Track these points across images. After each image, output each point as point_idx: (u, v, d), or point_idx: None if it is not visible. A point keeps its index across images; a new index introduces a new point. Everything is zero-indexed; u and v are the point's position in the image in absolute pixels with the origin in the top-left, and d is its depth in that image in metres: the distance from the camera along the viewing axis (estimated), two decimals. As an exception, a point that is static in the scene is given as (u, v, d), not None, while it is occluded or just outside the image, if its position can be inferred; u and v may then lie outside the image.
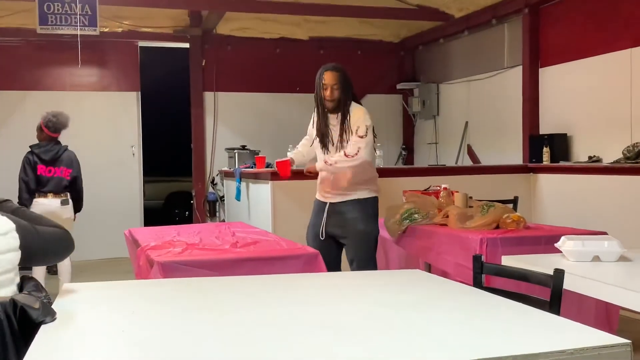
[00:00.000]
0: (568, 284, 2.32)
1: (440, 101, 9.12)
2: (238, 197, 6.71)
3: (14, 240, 1.80)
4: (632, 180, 5.60)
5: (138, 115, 8.80)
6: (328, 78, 4.08)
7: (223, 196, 8.28)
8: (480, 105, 8.27)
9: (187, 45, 8.92)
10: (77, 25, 7.31)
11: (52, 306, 1.79)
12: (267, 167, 6.38)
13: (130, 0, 7.77)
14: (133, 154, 8.76)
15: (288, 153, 4.54)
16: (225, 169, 7.79)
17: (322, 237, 4.21)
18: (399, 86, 9.59)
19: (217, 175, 8.82)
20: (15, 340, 1.65)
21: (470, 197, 4.49)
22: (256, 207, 6.33)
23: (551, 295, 2.20)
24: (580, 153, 6.56)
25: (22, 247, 1.82)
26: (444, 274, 3.69)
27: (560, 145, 6.65)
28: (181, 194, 10.86)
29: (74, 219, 5.79)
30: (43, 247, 1.94)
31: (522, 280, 2.44)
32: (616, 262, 2.82)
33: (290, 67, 9.04)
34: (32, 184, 5.53)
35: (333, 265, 4.15)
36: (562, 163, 6.52)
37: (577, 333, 1.62)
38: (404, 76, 9.66)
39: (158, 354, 1.52)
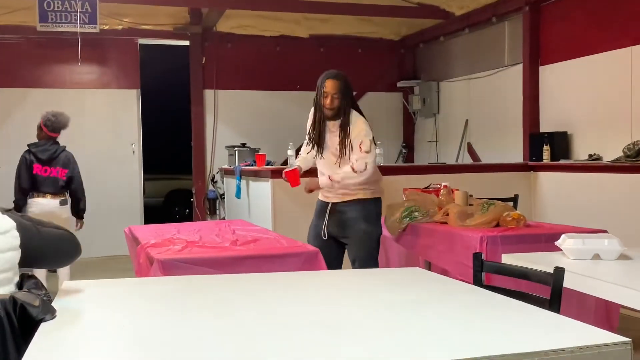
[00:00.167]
0: (568, 282, 2.32)
1: (441, 99, 9.12)
2: (238, 195, 6.71)
3: (14, 239, 1.79)
4: (633, 178, 5.60)
5: (138, 112, 8.80)
6: (329, 86, 4.06)
7: (223, 194, 8.28)
8: (481, 103, 8.26)
9: (187, 42, 8.91)
10: (77, 23, 7.31)
11: (52, 304, 1.79)
12: (268, 164, 6.39)
13: (130, -2, 7.77)
14: (133, 152, 8.76)
15: (294, 161, 4.51)
16: (226, 166, 7.79)
17: (325, 237, 4.19)
18: (399, 84, 9.58)
19: (217, 173, 8.82)
20: (15, 338, 1.65)
21: (471, 195, 4.49)
22: (256, 204, 6.33)
23: (551, 294, 2.20)
24: (580, 151, 6.56)
25: (23, 246, 1.80)
26: (444, 272, 3.69)
27: (560, 143, 6.65)
28: (181, 191, 10.86)
29: (81, 225, 5.73)
30: (45, 248, 1.92)
31: (522, 279, 2.44)
32: (616, 260, 2.82)
33: (291, 65, 9.04)
34: (25, 184, 5.49)
35: (334, 265, 4.14)
36: (562, 161, 6.52)
37: (577, 331, 1.62)
38: (404, 74, 9.65)
39: (158, 352, 1.52)
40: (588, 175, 6.12)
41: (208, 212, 8.87)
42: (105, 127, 8.65)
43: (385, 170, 4.41)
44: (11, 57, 8.24)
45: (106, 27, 8.22)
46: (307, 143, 4.34)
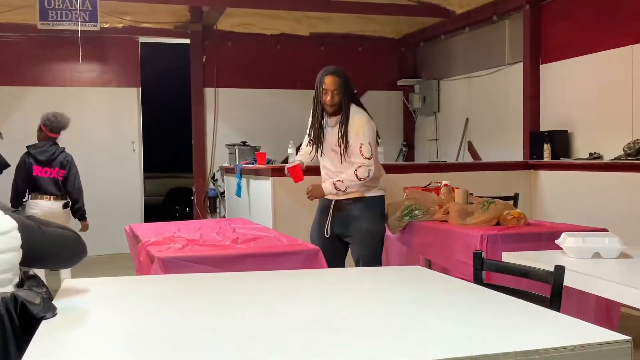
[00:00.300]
0: (568, 281, 2.32)
1: (441, 98, 9.12)
2: (238, 193, 6.71)
3: (14, 240, 1.76)
4: (633, 177, 5.60)
5: (138, 111, 8.79)
6: (328, 82, 4.04)
7: (223, 192, 8.28)
8: (481, 102, 8.26)
9: (187, 41, 8.91)
10: (77, 21, 7.31)
11: (53, 302, 1.79)
12: (268, 163, 6.39)
13: (130, -4, 7.77)
14: (133, 150, 8.76)
15: (296, 157, 4.49)
16: (226, 165, 7.79)
17: (327, 234, 4.17)
18: (399, 82, 9.58)
19: (217, 171, 8.82)
20: (16, 336, 1.65)
21: (471, 194, 4.49)
22: (257, 203, 6.33)
23: (551, 292, 2.20)
24: (581, 150, 6.56)
25: (26, 247, 1.78)
26: (444, 271, 3.69)
27: (561, 141, 6.65)
28: (181, 190, 10.86)
29: (85, 228, 5.70)
30: (49, 249, 1.90)
31: (522, 277, 2.44)
32: (617, 258, 2.83)
33: (291, 63, 9.04)
34: (21, 186, 5.51)
35: (337, 264, 4.13)
36: (562, 160, 6.51)
37: (577, 330, 1.62)
38: (404, 72, 9.65)
39: (158, 349, 1.52)
40: (588, 173, 6.11)
41: (208, 211, 8.88)
42: (106, 126, 8.65)
43: (385, 168, 4.39)
44: (11, 55, 8.23)
45: (107, 25, 8.22)
46: (308, 143, 4.32)
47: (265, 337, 1.61)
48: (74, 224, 5.59)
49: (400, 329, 1.69)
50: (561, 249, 2.93)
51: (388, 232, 4.43)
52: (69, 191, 5.62)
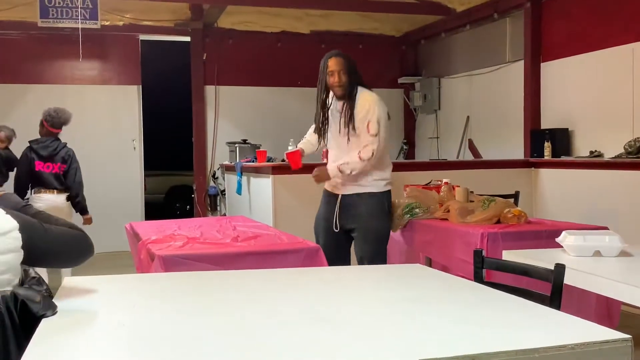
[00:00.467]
0: (569, 279, 2.32)
1: (442, 95, 9.11)
2: (239, 191, 6.71)
3: (14, 240, 1.74)
4: (634, 175, 5.60)
5: (139, 109, 8.80)
6: (333, 64, 4.02)
7: (224, 190, 8.28)
8: (482, 100, 8.25)
9: (188, 38, 8.90)
10: (78, 19, 7.31)
11: (53, 300, 1.79)
12: (269, 161, 6.39)
13: (131, -6, 7.77)
14: (134, 148, 8.76)
15: (297, 144, 4.45)
16: (227, 162, 7.80)
17: (337, 229, 4.12)
18: (400, 80, 9.57)
19: (218, 169, 8.82)
20: (16, 334, 1.64)
21: (471, 192, 4.49)
22: (257, 201, 6.34)
23: (552, 290, 2.20)
24: (581, 148, 6.55)
25: (29, 246, 1.77)
26: (445, 269, 3.69)
27: (561, 140, 6.64)
28: (182, 187, 10.87)
29: (89, 221, 5.74)
30: (54, 248, 1.88)
31: (522, 275, 2.44)
32: (617, 257, 2.82)
33: (292, 61, 9.03)
34: (23, 181, 5.56)
35: (343, 257, 4.11)
36: (563, 158, 6.51)
37: (577, 328, 1.62)
38: (405, 70, 9.64)
39: (158, 347, 1.52)
40: (589, 172, 6.11)
41: (209, 208, 8.88)
42: (106, 123, 8.65)
43: (386, 166, 4.39)
44: (12, 53, 8.24)
45: (107, 23, 8.22)
46: (314, 130, 4.28)
47: (265, 335, 1.61)
48: (76, 219, 5.62)
49: (400, 327, 1.69)
50: (562, 247, 2.93)
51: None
52: (69, 185, 5.66)
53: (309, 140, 4.36)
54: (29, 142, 5.66)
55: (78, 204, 5.72)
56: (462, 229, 3.94)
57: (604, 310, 3.55)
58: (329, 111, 4.15)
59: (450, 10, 8.35)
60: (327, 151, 4.40)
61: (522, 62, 7.34)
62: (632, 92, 5.96)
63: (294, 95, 8.98)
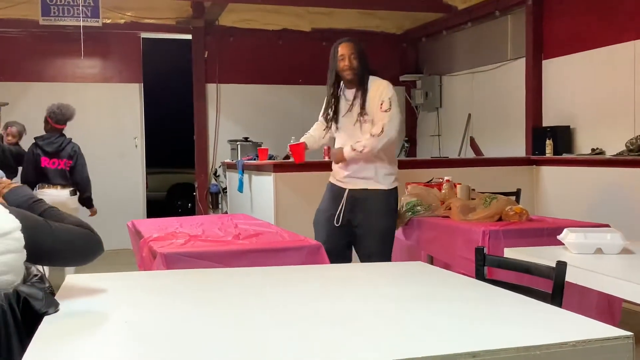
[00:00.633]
0: (570, 276, 2.32)
1: (443, 93, 9.11)
2: (240, 189, 6.71)
3: (15, 241, 1.72)
4: (635, 172, 5.59)
5: (141, 106, 8.80)
6: (343, 48, 4.02)
7: (225, 188, 8.29)
8: (483, 98, 8.25)
9: (189, 36, 8.91)
10: (79, 17, 7.32)
11: (55, 297, 1.79)
12: (270, 158, 6.39)
13: (132, -8, 7.77)
14: (136, 146, 8.77)
15: (300, 139, 4.43)
16: (228, 160, 7.80)
17: (338, 223, 4.09)
18: (401, 78, 9.56)
19: (219, 167, 8.83)
20: (19, 331, 1.64)
21: (473, 190, 4.49)
22: (258, 199, 6.34)
23: (553, 288, 2.20)
24: (583, 145, 6.55)
25: (31, 245, 1.75)
26: (447, 266, 3.69)
27: (563, 137, 6.64)
28: (184, 185, 10.88)
29: (94, 213, 5.82)
30: (59, 247, 1.86)
31: (524, 273, 2.44)
32: (619, 254, 2.82)
33: (293, 59, 9.03)
34: (30, 178, 5.58)
35: (343, 252, 4.09)
36: (565, 155, 6.51)
37: (579, 325, 1.62)
38: (407, 68, 9.63)
39: (160, 345, 1.52)
40: (591, 169, 6.11)
41: (210, 206, 8.89)
42: (108, 121, 8.66)
43: (387, 164, 4.39)
44: (13, 50, 8.24)
45: (108, 21, 8.22)
46: (323, 121, 4.24)
47: (267, 332, 1.61)
48: (82, 214, 5.65)
49: (402, 324, 1.69)
50: (563, 244, 2.93)
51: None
52: (76, 182, 5.71)
53: (312, 135, 4.33)
54: (35, 138, 5.69)
55: (87, 199, 5.80)
56: (463, 227, 3.94)
57: (606, 307, 3.55)
58: (339, 100, 4.11)
59: (451, 7, 8.34)
60: (328, 148, 4.39)
61: (523, 60, 7.33)
62: (634, 89, 5.95)
63: (295, 92, 8.98)
